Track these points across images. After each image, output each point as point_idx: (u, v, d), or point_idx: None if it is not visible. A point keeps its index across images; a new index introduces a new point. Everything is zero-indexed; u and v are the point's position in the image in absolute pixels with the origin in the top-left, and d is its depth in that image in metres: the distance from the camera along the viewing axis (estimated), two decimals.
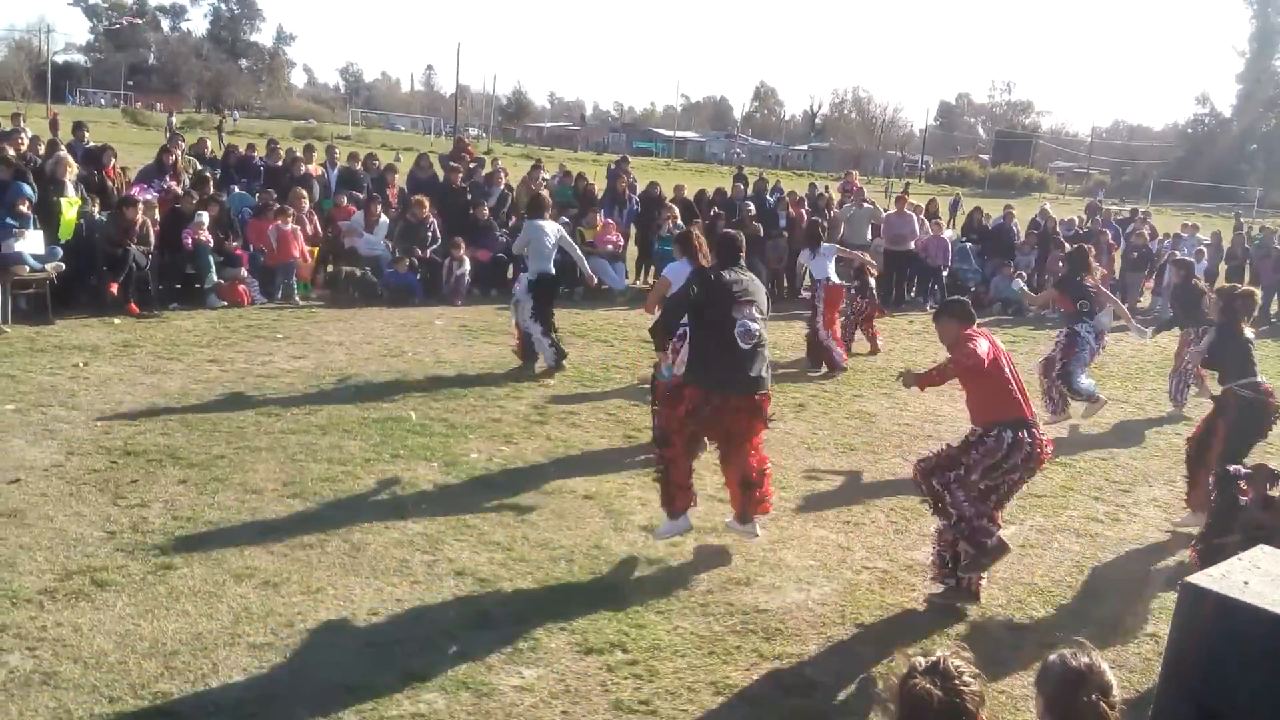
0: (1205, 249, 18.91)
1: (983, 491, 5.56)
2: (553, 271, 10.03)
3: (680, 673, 4.73)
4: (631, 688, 4.57)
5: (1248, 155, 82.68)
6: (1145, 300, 18.41)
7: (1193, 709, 2.49)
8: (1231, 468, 5.68)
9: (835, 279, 11.50)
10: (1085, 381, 9.56)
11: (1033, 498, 7.60)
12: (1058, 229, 18.60)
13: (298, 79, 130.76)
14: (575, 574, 5.66)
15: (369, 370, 9.67)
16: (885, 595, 5.75)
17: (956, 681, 2.37)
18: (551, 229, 10.07)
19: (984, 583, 5.75)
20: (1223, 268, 19.05)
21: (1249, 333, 7.31)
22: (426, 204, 13.93)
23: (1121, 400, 11.13)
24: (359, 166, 15.42)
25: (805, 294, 13.29)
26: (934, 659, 2.44)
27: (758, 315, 5.96)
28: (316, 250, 13.52)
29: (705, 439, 6.30)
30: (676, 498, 6.08)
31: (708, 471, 7.48)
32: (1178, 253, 19.19)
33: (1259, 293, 7.50)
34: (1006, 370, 5.56)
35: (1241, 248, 19.07)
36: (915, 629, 5.39)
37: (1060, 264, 11.19)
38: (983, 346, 5.40)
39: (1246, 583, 2.53)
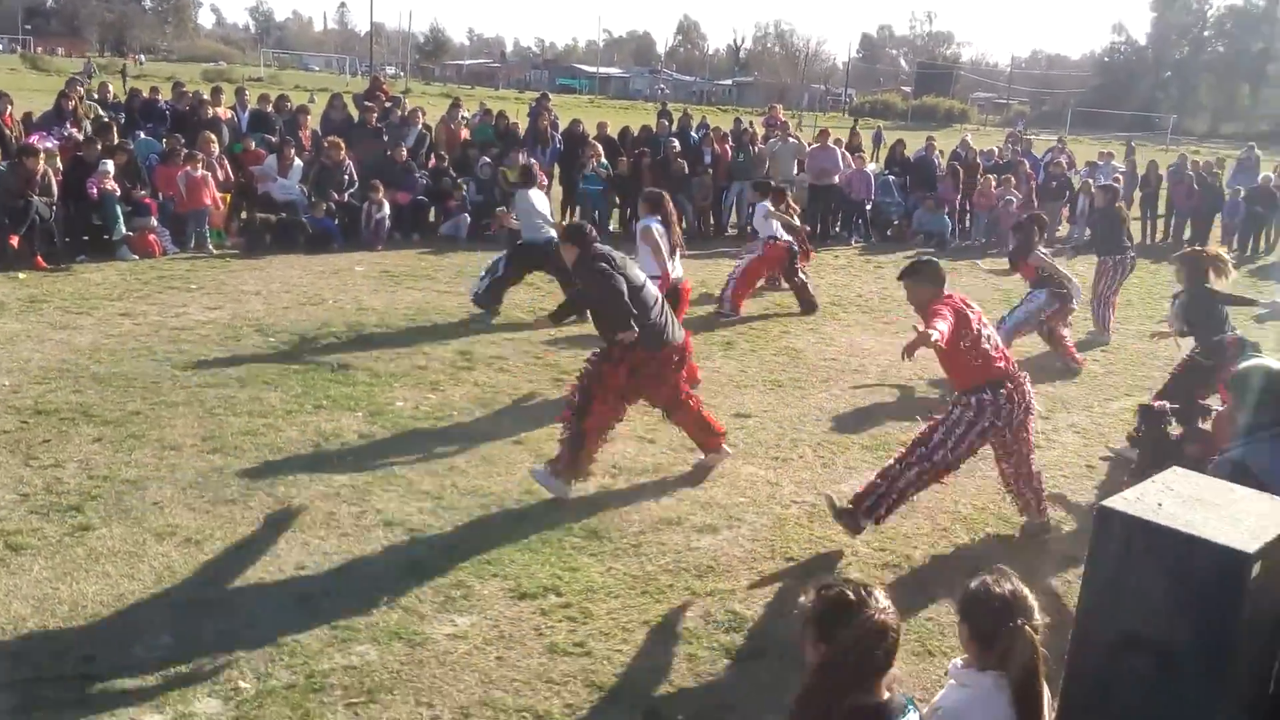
0: (1121, 176, 19.26)
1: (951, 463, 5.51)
2: (541, 241, 9.71)
3: (614, 613, 4.75)
4: (566, 630, 4.58)
5: (1162, 83, 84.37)
6: (1064, 229, 18.74)
7: (1111, 631, 2.55)
8: (1156, 404, 5.81)
9: (782, 236, 11.20)
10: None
11: None
12: (979, 159, 18.80)
13: (205, 20, 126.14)
14: (506, 520, 5.64)
15: (288, 320, 9.45)
16: (813, 529, 5.83)
17: (864, 588, 2.43)
18: (541, 201, 10.05)
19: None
20: (1137, 195, 19.44)
21: (1220, 287, 7.16)
22: (342, 146, 13.55)
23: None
24: (270, 109, 14.91)
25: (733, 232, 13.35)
26: (856, 585, 2.49)
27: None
28: (229, 196, 13.10)
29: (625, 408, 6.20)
30: (579, 464, 5.95)
31: (635, 412, 7.49)
32: (1094, 180, 19.57)
33: (1225, 253, 7.37)
34: (976, 329, 5.40)
35: (1155, 174, 19.47)
36: (844, 561, 5.48)
37: (1011, 235, 11.21)
38: (944, 325, 5.09)
39: (1160, 504, 2.58)
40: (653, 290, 6.13)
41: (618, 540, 5.49)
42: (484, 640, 4.46)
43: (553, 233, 9.49)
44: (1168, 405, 5.69)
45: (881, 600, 2.41)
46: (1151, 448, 5.41)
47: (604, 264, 5.91)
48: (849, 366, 9.26)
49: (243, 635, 4.38)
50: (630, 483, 6.28)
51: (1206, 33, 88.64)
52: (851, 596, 2.40)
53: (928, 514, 6.10)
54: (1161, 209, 19.50)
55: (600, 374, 5.95)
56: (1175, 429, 6.20)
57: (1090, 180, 18.20)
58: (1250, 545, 2.38)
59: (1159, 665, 2.46)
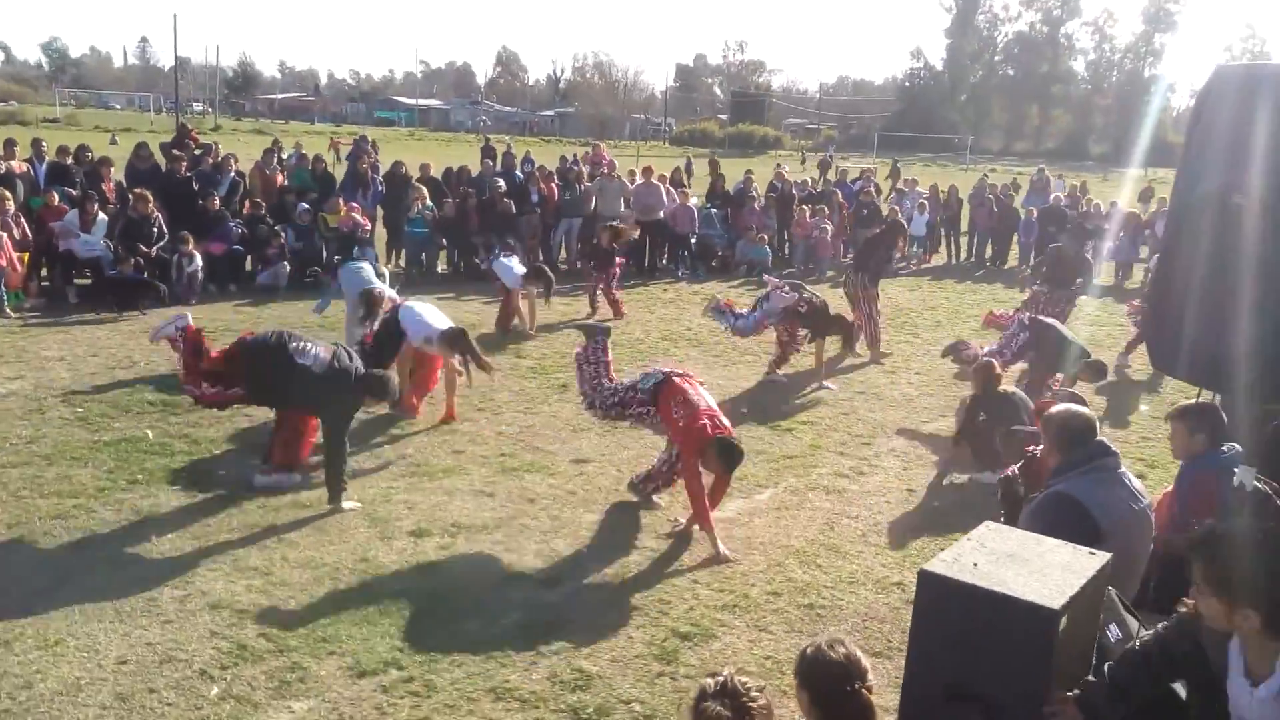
0: (925, 203, 20.39)
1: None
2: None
3: (458, 683, 4.68)
4: (409, 707, 4.48)
5: (959, 105, 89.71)
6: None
7: (937, 684, 2.69)
8: (1008, 472, 6.17)
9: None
10: None
11: (785, 459, 8.01)
12: (794, 190, 19.55)
13: None
14: (342, 592, 5.47)
15: (96, 386, 8.92)
16: (655, 574, 5.90)
17: (744, 699, 2.51)
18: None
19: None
20: (940, 217, 20.59)
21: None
22: (149, 197, 12.93)
23: (860, 355, 11.88)
24: (69, 160, 14.10)
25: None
26: (721, 679, 2.58)
27: None
28: (27, 255, 12.28)
29: None
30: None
31: (473, 465, 7.43)
32: (901, 207, 20.65)
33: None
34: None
35: (956, 198, 20.69)
36: (685, 604, 5.56)
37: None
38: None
39: (975, 564, 2.75)
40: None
41: (459, 603, 5.41)
42: None
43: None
44: (1014, 471, 6.07)
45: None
46: (1008, 511, 5.75)
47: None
48: None
49: None
50: (470, 540, 6.20)
51: (997, 57, 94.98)
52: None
53: (762, 549, 6.27)
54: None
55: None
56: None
57: (897, 208, 19.15)
58: (1056, 601, 2.58)
59: (982, 714, 2.62)
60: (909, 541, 6.59)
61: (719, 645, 5.14)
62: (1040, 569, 2.75)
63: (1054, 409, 4.11)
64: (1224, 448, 4.59)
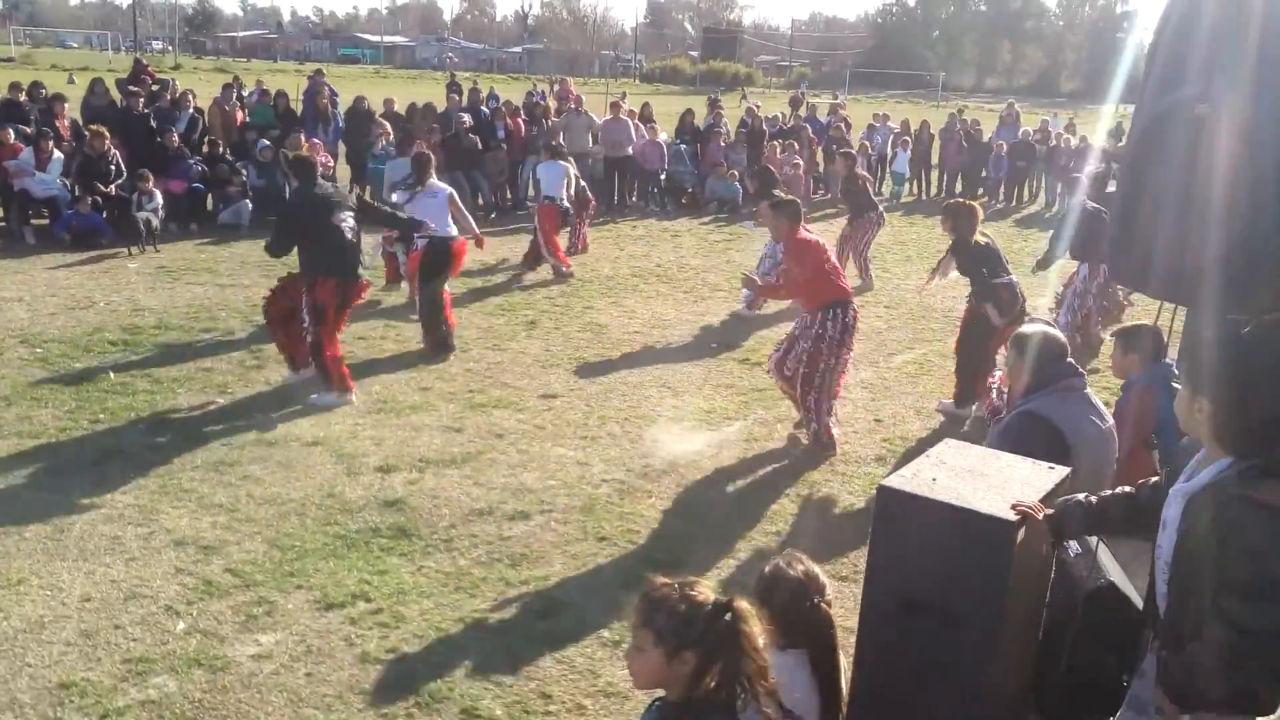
0: (908, 140, 20.26)
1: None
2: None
3: (427, 614, 4.68)
4: (378, 637, 4.48)
5: (931, 42, 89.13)
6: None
7: (893, 601, 2.71)
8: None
9: (561, 197, 11.66)
10: None
11: (754, 392, 8.02)
12: (764, 125, 19.37)
13: None
14: (308, 527, 5.44)
15: (56, 327, 8.76)
16: (624, 505, 5.91)
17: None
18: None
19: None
20: (911, 152, 20.50)
21: (983, 240, 7.53)
22: (106, 134, 12.62)
23: None
24: (23, 97, 13.72)
25: (530, 205, 13.58)
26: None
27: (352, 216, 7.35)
28: None
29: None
30: (336, 371, 7.25)
31: (440, 400, 7.39)
32: (872, 141, 20.51)
33: (978, 207, 7.91)
34: (831, 258, 6.84)
35: (927, 133, 20.59)
36: (652, 533, 5.58)
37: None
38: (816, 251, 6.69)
39: (934, 479, 2.75)
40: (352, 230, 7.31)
41: (427, 537, 5.40)
42: (291, 658, 4.31)
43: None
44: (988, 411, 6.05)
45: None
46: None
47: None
48: (651, 339, 9.40)
49: (25, 680, 4.07)
50: (438, 475, 6.18)
51: None
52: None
53: (730, 479, 6.30)
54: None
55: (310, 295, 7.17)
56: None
57: (868, 143, 19.01)
58: (1013, 514, 2.58)
59: (940, 625, 2.64)
60: (876, 470, 6.63)
61: (687, 572, 5.14)
62: (999, 483, 2.76)
63: (1028, 329, 4.11)
64: (1160, 364, 4.78)
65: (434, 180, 8.79)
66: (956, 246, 7.51)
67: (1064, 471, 2.90)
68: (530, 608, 4.79)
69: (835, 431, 6.90)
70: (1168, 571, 2.45)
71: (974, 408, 7.53)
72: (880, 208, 12.52)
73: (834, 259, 6.96)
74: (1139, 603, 2.81)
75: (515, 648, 4.47)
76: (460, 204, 8.90)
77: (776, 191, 9.41)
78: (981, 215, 7.67)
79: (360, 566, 5.05)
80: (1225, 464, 2.36)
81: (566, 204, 11.79)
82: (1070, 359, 4.04)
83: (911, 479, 2.73)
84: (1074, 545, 3.06)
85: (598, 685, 4.24)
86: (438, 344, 8.58)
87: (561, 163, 12.01)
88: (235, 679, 4.15)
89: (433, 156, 9.21)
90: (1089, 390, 4.03)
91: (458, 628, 4.60)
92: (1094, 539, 3.05)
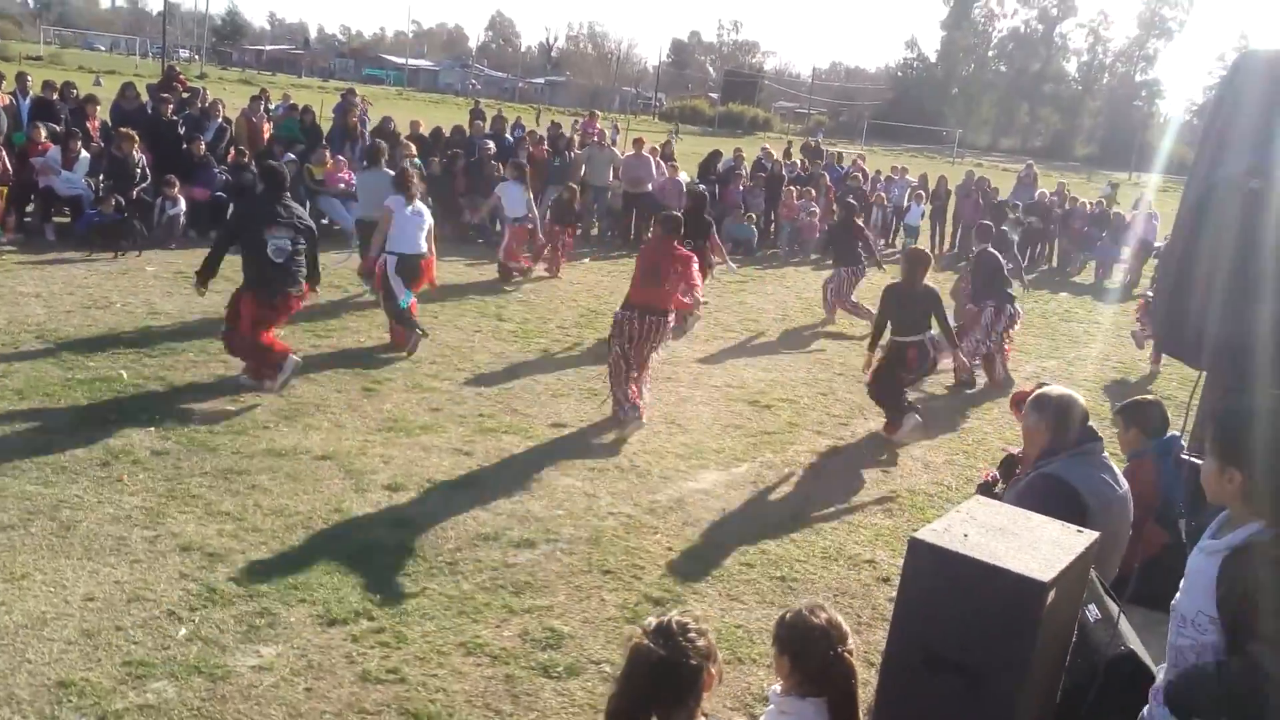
0: (922, 194, 20.38)
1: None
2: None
3: (429, 636, 4.66)
4: (379, 656, 4.46)
5: (950, 99, 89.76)
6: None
7: (919, 654, 2.69)
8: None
9: (527, 216, 12.78)
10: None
11: (763, 435, 8.02)
12: (784, 170, 19.49)
13: None
14: (314, 541, 5.43)
15: (72, 325, 8.79)
16: (629, 539, 5.89)
17: (680, 639, 2.47)
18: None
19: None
20: (928, 208, 20.61)
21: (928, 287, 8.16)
22: (135, 137, 12.72)
23: (848, 334, 11.90)
24: (55, 96, 13.84)
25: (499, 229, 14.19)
26: (662, 620, 2.55)
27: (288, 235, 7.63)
28: (7, 190, 12.05)
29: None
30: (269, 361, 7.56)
31: (451, 423, 7.39)
32: (888, 194, 20.61)
33: (931, 257, 8.82)
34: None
35: (944, 189, 20.71)
36: (658, 570, 5.55)
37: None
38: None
39: (966, 535, 2.75)
40: (283, 251, 7.61)
41: (432, 558, 5.39)
42: (291, 671, 4.28)
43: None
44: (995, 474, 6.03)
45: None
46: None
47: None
48: (662, 373, 9.40)
49: (24, 677, 4.04)
50: (446, 497, 6.17)
51: (991, 53, 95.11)
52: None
53: (737, 522, 6.29)
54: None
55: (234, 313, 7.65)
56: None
57: (884, 194, 19.11)
58: (1045, 574, 2.59)
59: (965, 683, 2.63)
60: (883, 521, 6.62)
61: (690, 611, 5.13)
62: (1030, 543, 2.75)
63: (1051, 391, 4.10)
64: (1164, 439, 4.82)
65: (419, 204, 9.26)
66: (899, 288, 8.19)
67: (1093, 536, 2.89)
68: (532, 636, 4.77)
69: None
70: (1184, 623, 2.50)
71: (916, 418, 8.16)
72: (864, 262, 12.56)
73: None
74: (1156, 672, 2.80)
75: (516, 676, 4.44)
76: (433, 236, 9.46)
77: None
78: (932, 264, 8.49)
79: (364, 584, 5.03)
80: (1257, 527, 2.41)
81: (530, 224, 12.84)
82: (1090, 423, 4.04)
83: (943, 533, 2.73)
84: (1093, 609, 3.05)
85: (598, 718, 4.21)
86: (407, 331, 9.00)
87: (521, 183, 12.86)
88: (235, 689, 4.12)
89: (416, 179, 9.65)
90: (1106, 455, 4.03)
91: (459, 653, 4.57)
92: (1114, 606, 3.05)
